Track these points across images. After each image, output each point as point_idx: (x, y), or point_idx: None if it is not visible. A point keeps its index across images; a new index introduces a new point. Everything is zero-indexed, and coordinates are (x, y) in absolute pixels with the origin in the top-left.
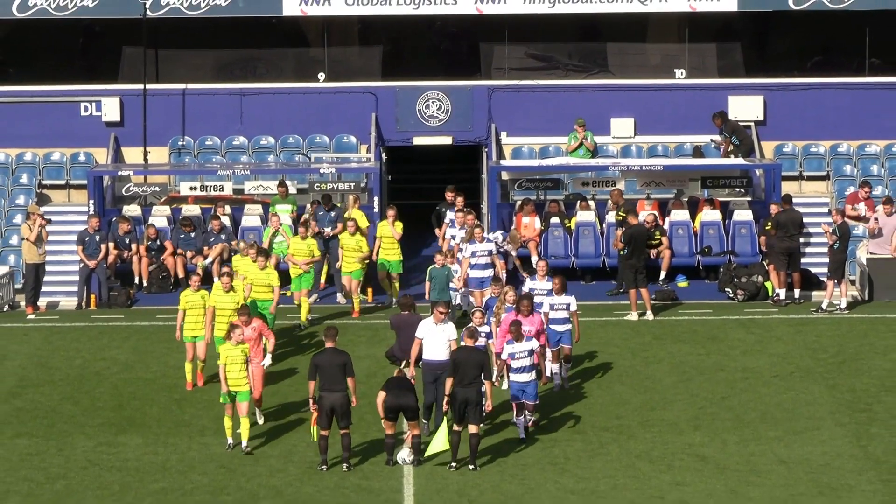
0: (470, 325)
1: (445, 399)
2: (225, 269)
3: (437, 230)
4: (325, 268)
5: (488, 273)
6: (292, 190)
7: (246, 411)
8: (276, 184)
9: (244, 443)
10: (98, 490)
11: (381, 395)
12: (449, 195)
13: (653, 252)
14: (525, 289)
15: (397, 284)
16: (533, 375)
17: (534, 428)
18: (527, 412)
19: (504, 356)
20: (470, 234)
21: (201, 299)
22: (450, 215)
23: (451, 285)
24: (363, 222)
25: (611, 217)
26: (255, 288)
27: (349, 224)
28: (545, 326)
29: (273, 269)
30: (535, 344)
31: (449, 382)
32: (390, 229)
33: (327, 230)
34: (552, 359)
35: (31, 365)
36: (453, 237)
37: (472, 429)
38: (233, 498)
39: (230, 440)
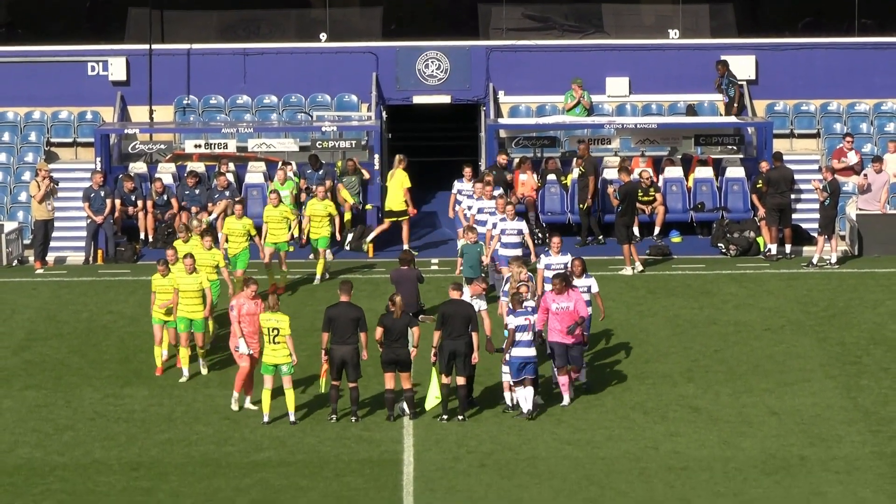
0: (458, 282)
1: (433, 351)
2: (170, 250)
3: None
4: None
5: (518, 252)
6: (293, 147)
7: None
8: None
9: (291, 415)
10: (105, 441)
11: (379, 330)
12: (468, 171)
13: (647, 208)
14: (541, 266)
15: (322, 261)
16: (534, 351)
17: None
18: (531, 387)
19: (511, 327)
20: (502, 209)
21: (169, 284)
22: (458, 185)
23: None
24: (406, 182)
25: (575, 173)
26: (202, 269)
27: (271, 196)
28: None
29: (218, 250)
30: (530, 314)
31: (436, 335)
32: (319, 207)
33: (315, 188)
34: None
35: (40, 319)
36: (469, 208)
37: (460, 380)
38: (237, 448)
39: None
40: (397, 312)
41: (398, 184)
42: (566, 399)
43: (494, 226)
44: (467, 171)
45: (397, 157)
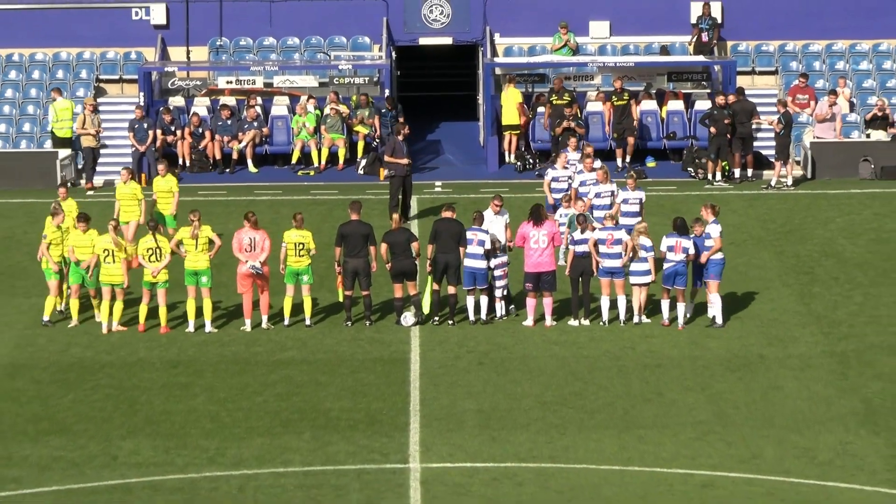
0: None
1: (428, 262)
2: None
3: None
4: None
5: (638, 220)
6: (313, 83)
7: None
8: (303, 99)
9: (307, 319)
10: (148, 342)
11: (384, 246)
12: (573, 142)
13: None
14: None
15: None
16: (485, 264)
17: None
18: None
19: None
20: (604, 178)
21: (58, 231)
22: (552, 173)
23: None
24: (518, 97)
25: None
26: (78, 250)
27: (123, 172)
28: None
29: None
30: (485, 238)
31: (430, 248)
32: (163, 183)
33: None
34: (711, 292)
35: None
36: (582, 183)
37: (451, 289)
38: (264, 348)
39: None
40: (394, 226)
41: (512, 100)
42: (529, 320)
43: (612, 193)
44: (562, 157)
45: (506, 75)
